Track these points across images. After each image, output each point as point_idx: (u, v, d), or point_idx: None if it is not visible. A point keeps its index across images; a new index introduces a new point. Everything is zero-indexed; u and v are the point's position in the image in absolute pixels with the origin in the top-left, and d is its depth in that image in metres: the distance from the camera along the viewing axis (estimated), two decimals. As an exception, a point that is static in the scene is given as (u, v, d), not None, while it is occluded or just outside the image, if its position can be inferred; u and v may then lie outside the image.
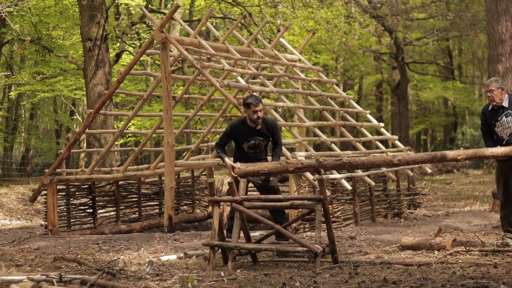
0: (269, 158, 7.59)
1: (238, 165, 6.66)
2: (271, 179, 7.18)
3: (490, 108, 7.42)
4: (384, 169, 11.39)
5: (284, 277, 5.54)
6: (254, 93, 9.95)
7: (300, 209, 7.96)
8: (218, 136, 15.01)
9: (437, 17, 27.95)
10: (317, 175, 8.99)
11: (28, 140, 26.53)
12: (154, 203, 11.86)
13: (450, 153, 6.82)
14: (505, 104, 7.31)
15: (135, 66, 13.10)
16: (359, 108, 13.19)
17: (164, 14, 18.59)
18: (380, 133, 12.76)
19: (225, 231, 6.94)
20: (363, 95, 33.85)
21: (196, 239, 8.78)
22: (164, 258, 6.99)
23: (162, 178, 11.65)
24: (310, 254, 5.91)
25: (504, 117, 7.30)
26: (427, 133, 41.65)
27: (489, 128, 7.45)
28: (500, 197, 7.45)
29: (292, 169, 6.46)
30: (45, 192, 10.07)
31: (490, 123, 7.41)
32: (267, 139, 7.27)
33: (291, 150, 16.21)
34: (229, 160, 6.99)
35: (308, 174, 9.28)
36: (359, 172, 10.62)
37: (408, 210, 12.50)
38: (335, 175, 9.83)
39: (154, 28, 12.82)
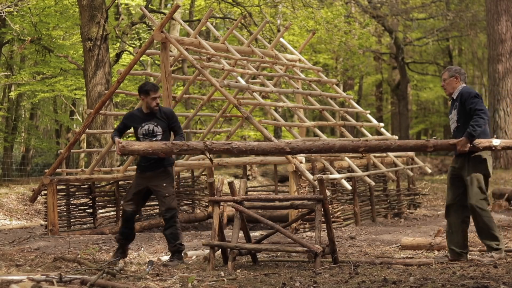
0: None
1: (123, 142, 6.28)
2: (164, 184, 6.94)
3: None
4: (384, 169, 11.39)
5: (284, 277, 5.54)
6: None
7: (300, 209, 7.96)
8: (218, 136, 15.03)
9: (437, 17, 27.91)
10: (317, 175, 9.01)
11: (28, 140, 26.51)
12: (154, 203, 11.86)
13: (351, 144, 6.26)
14: (454, 95, 6.30)
15: (135, 66, 13.09)
16: (359, 108, 13.18)
17: (164, 14, 18.58)
18: (380, 133, 12.76)
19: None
20: (363, 95, 33.83)
21: (196, 239, 8.79)
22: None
23: (162, 178, 11.64)
24: (310, 254, 5.91)
25: (453, 110, 6.33)
26: (427, 133, 41.62)
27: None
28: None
29: (177, 150, 6.13)
30: (45, 192, 10.08)
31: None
32: (162, 126, 6.99)
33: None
34: (118, 138, 6.67)
35: (308, 174, 9.27)
36: (359, 172, 10.62)
37: (408, 210, 12.49)
38: (335, 175, 9.83)
39: (154, 28, 12.82)
